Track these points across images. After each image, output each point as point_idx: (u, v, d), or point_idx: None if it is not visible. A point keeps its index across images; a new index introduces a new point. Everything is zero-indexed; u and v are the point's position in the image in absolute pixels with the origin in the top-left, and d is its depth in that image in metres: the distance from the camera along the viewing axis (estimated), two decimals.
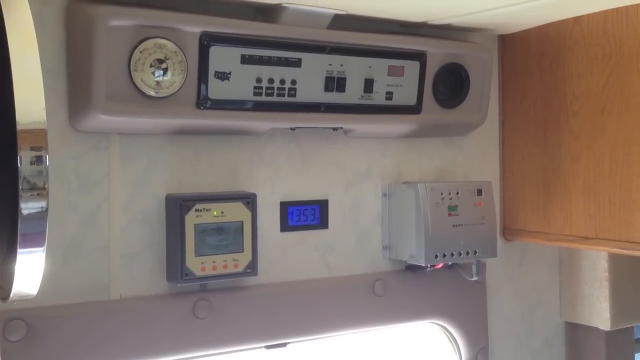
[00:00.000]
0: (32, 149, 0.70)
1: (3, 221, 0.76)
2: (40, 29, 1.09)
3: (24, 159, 0.69)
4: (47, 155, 0.71)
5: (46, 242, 0.73)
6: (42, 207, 0.71)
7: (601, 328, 1.67)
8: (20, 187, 0.70)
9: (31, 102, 0.70)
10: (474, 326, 1.54)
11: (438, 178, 1.53)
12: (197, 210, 1.18)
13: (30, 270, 0.74)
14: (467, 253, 1.42)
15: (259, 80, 1.20)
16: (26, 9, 0.72)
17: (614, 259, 1.64)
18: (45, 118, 0.71)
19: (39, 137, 0.70)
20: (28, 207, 0.71)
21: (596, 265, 1.66)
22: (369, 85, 1.31)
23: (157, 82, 1.10)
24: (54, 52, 1.11)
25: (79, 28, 1.08)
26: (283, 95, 1.23)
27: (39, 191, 0.71)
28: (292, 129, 1.29)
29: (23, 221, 0.71)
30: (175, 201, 1.18)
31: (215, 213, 1.20)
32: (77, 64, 1.10)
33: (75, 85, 1.11)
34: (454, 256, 1.40)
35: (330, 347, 1.43)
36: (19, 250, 0.72)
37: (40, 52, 1.07)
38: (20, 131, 0.69)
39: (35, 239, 0.73)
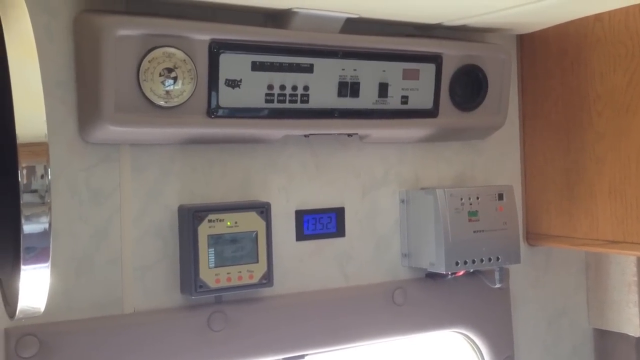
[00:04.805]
0: (33, 163, 0.68)
1: (8, 237, 0.74)
2: (49, 41, 1.09)
3: (25, 173, 0.68)
4: (49, 169, 0.69)
5: (50, 258, 0.71)
6: (45, 222, 0.70)
7: (631, 334, 1.62)
8: (22, 202, 0.68)
9: (32, 115, 0.68)
10: (499, 335, 1.51)
11: (457, 183, 1.49)
12: (210, 220, 1.17)
13: (35, 287, 0.73)
14: (490, 259, 1.38)
15: (270, 87, 1.18)
16: (26, 20, 0.71)
17: None
18: (46, 131, 0.69)
19: (40, 151, 0.69)
20: (30, 223, 0.69)
21: (625, 269, 1.61)
22: (383, 89, 1.28)
23: (167, 92, 1.09)
24: (63, 64, 1.10)
25: (87, 39, 1.07)
26: (295, 101, 1.20)
27: (42, 207, 0.69)
28: (305, 136, 1.27)
29: (25, 237, 0.69)
30: (187, 212, 1.16)
31: (228, 223, 1.18)
32: (86, 75, 1.08)
33: (85, 97, 1.10)
34: (476, 263, 1.37)
35: (350, 358, 1.40)
36: (23, 267, 0.70)
37: (49, 65, 1.09)
38: (21, 145, 0.68)
39: (39, 256, 0.71)
